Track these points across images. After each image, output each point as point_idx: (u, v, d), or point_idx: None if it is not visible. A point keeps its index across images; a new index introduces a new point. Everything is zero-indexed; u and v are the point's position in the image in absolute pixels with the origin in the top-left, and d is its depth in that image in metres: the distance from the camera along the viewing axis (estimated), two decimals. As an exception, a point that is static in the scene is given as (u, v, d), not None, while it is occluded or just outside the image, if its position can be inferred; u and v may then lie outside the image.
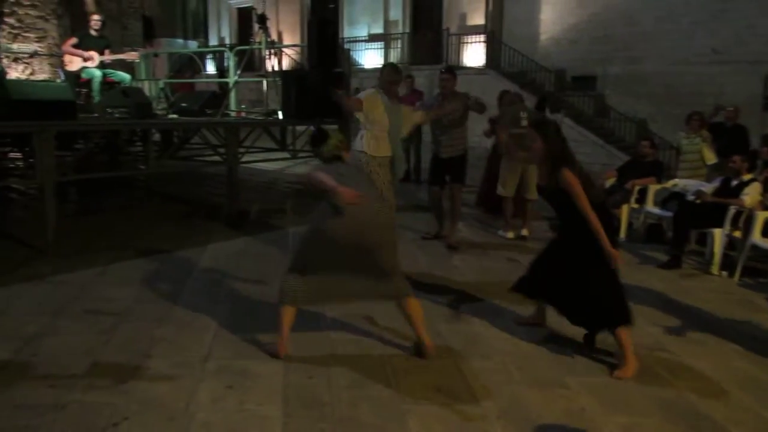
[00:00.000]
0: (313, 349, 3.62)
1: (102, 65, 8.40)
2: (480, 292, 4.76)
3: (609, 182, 7.13)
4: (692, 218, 5.83)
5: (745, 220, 5.67)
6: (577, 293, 3.57)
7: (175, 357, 3.43)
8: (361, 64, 19.64)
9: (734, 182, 5.86)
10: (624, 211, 6.73)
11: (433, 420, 2.90)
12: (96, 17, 8.72)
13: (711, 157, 7.34)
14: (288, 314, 3.41)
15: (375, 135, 4.93)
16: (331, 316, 4.12)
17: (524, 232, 6.62)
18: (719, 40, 13.44)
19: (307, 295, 3.37)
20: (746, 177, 5.84)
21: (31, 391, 3.01)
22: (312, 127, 3.59)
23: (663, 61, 14.24)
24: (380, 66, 19.67)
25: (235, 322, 3.98)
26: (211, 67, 22.30)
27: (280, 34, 22.05)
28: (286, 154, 8.42)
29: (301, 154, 8.85)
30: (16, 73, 12.40)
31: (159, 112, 9.13)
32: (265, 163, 9.14)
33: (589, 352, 3.67)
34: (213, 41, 25.48)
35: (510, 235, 6.60)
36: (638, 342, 3.66)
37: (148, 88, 11.26)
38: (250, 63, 12.02)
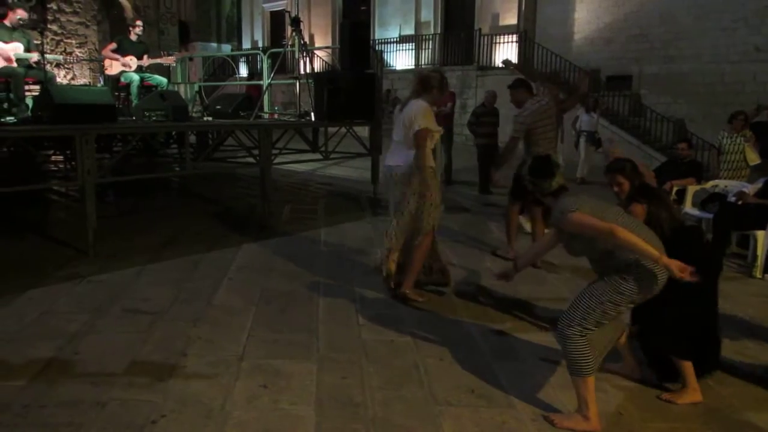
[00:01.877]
0: (345, 349, 3.63)
1: (140, 69, 8.59)
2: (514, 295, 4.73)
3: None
4: (734, 220, 5.68)
5: (789, 221, 5.50)
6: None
7: (210, 356, 3.48)
8: (392, 66, 19.67)
9: (778, 183, 5.69)
10: (662, 213, 6.58)
11: (467, 421, 2.88)
12: (139, 23, 8.95)
13: (754, 158, 7.14)
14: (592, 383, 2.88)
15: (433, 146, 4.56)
16: (363, 318, 4.13)
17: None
18: (762, 37, 13.07)
19: (597, 358, 2.92)
20: (790, 178, 5.66)
21: (73, 388, 3.08)
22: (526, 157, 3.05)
23: (702, 60, 13.91)
24: (412, 68, 19.52)
25: (269, 321, 4.02)
26: (244, 70, 22.64)
27: (312, 37, 22.24)
28: (317, 156, 8.47)
29: (333, 156, 8.89)
30: (58, 78, 12.75)
31: (194, 115, 9.29)
32: (297, 164, 9.22)
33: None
34: (246, 45, 25.83)
35: (528, 226, 6.49)
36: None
37: (183, 91, 11.46)
38: (283, 65, 12.13)
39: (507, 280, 3.55)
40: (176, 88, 10.71)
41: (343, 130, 8.51)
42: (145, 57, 8.71)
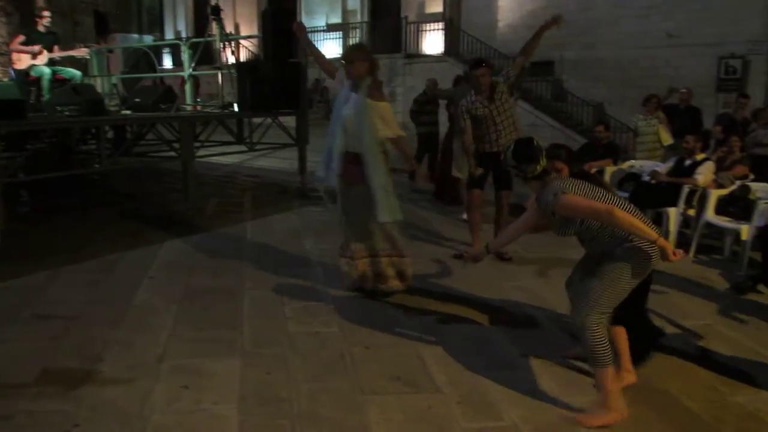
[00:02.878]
0: (271, 344, 3.57)
1: (51, 62, 8.15)
2: (439, 280, 4.77)
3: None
4: (648, 198, 5.92)
5: (698, 198, 5.80)
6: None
7: (128, 359, 3.34)
8: (320, 55, 19.47)
9: (688, 162, 5.97)
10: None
11: (393, 409, 2.88)
12: (46, 13, 8.47)
13: (667, 138, 7.47)
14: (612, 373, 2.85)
15: None
16: (289, 311, 4.07)
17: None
18: (674, 23, 13.68)
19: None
20: (699, 157, 5.95)
21: (-24, 402, 2.89)
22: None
23: (618, 46, 14.44)
24: (339, 56, 19.45)
25: (192, 320, 3.90)
26: (168, 62, 21.87)
27: (237, 26, 21.71)
28: (243, 147, 8.29)
29: (259, 147, 8.73)
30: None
31: (112, 109, 8.89)
32: (223, 157, 8.99)
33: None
34: (169, 35, 24.94)
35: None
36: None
37: (101, 84, 10.95)
38: (209, 56, 11.77)
39: (475, 262, 3.41)
40: (93, 82, 10.23)
41: (269, 120, 8.35)
42: (56, 48, 8.27)
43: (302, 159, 8.24)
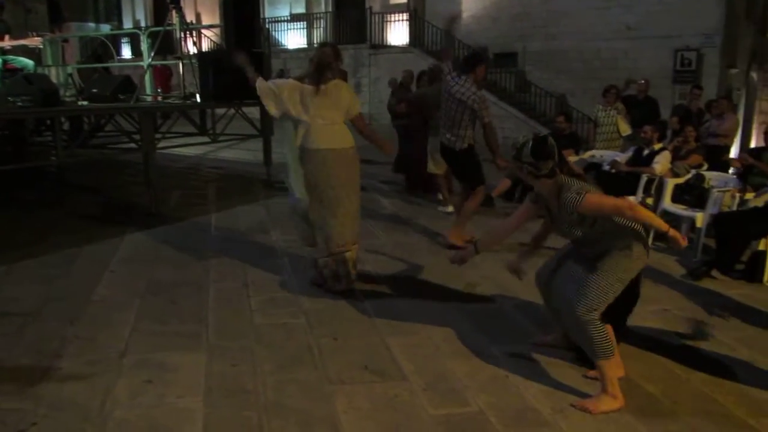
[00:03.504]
0: (237, 336, 3.53)
1: (2, 52, 7.87)
2: (405, 268, 4.79)
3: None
4: (607, 187, 5.99)
5: (656, 187, 5.94)
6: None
7: (89, 355, 3.26)
8: (284, 45, 19.26)
9: (646, 152, 6.12)
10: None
11: (360, 398, 2.89)
12: (-7, 1, 8.16)
13: (626, 129, 7.63)
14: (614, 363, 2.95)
15: None
16: (255, 303, 4.04)
17: (449, 208, 6.68)
18: (633, 16, 13.92)
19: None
20: (657, 146, 6.11)
21: (-73, 402, 2.79)
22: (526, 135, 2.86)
23: (580, 38, 14.63)
24: (305, 47, 19.12)
25: (155, 314, 3.83)
26: (127, 52, 21.35)
27: (198, 15, 21.30)
28: (206, 138, 8.15)
29: (222, 138, 8.59)
30: None
31: (68, 99, 8.64)
32: (186, 148, 8.83)
33: None
34: (128, 24, 24.31)
35: (450, 209, 6.63)
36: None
37: (56, 74, 10.61)
38: (170, 46, 11.50)
39: (461, 264, 3.39)
40: (47, 72, 9.91)
41: (233, 111, 8.23)
42: (7, 37, 7.98)
43: (267, 150, 8.15)
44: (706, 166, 6.26)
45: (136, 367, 3.14)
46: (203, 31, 12.19)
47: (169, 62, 11.03)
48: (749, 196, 5.37)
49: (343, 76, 8.98)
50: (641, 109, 8.42)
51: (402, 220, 6.44)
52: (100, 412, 2.73)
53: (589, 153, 7.23)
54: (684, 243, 2.81)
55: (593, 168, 6.75)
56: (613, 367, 2.91)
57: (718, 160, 6.67)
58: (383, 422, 2.69)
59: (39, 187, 8.13)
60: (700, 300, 4.25)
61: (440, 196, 6.99)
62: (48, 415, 2.69)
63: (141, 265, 4.79)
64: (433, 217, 6.56)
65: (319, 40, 18.82)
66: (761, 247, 4.69)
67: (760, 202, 5.03)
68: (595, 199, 2.79)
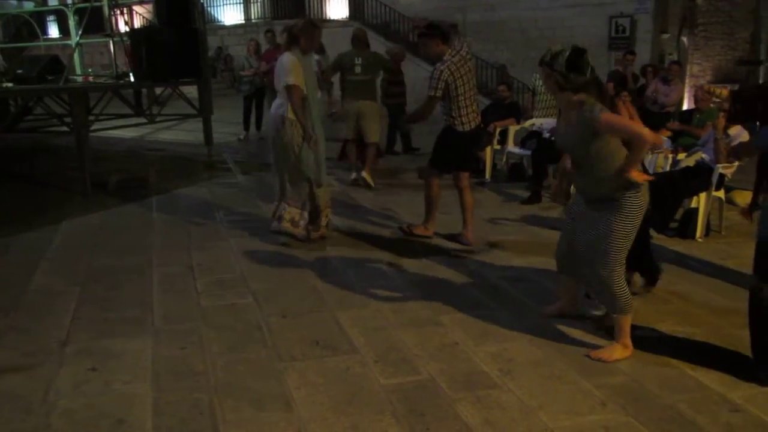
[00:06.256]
0: (184, 319, 3.47)
1: None
2: (352, 240, 4.80)
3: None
4: (549, 154, 6.17)
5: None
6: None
7: (27, 346, 3.14)
8: (220, 21, 18.71)
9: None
10: (488, 153, 7.01)
11: (312, 373, 2.89)
12: None
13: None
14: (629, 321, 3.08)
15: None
16: (201, 285, 3.97)
17: (365, 175, 6.59)
18: (568, -16, 14.14)
19: None
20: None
21: None
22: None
23: (517, 7, 14.78)
24: (242, 23, 18.72)
25: (97, 301, 3.72)
26: (54, 31, 20.30)
27: (129, -9, 20.41)
28: (142, 120, 7.87)
29: (160, 119, 8.32)
30: None
31: (-10, 82, 8.17)
32: (123, 130, 8.52)
33: None
34: (53, 2, 23.08)
35: (353, 176, 6.69)
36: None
37: (-24, 56, 10.01)
38: (99, 24, 11.00)
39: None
40: (-34, 53, 9.34)
41: (169, 91, 7.97)
42: None
43: (207, 130, 7.95)
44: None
45: (79, 356, 3.05)
46: (134, 7, 11.73)
47: (100, 40, 10.56)
48: (681, 156, 5.58)
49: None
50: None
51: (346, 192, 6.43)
52: (43, 403, 2.64)
53: (529, 122, 7.36)
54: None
55: (534, 136, 6.89)
56: (629, 321, 3.06)
57: (661, 126, 6.84)
58: (336, 395, 2.71)
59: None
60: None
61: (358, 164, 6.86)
62: (-14, 411, 2.59)
63: (80, 252, 4.63)
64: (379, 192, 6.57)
65: (257, 16, 18.40)
66: (693, 204, 4.91)
67: (691, 162, 5.25)
68: (613, 117, 2.88)
